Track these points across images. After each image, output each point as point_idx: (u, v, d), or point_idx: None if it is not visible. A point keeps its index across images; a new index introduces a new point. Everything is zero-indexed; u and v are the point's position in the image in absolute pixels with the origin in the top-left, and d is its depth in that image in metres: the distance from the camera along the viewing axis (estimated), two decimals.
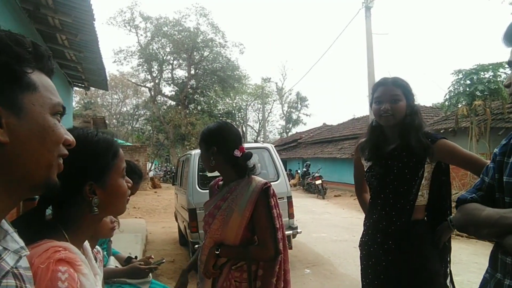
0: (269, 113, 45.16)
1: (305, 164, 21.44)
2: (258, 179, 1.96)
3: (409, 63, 73.81)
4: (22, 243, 0.70)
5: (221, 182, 2.11)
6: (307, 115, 46.36)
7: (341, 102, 79.69)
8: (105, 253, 2.38)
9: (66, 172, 0.80)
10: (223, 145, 1.94)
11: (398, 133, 2.07)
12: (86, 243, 1.10)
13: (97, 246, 1.67)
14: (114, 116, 43.60)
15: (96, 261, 1.44)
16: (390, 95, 2.04)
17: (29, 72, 0.69)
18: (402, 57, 76.84)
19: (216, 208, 1.96)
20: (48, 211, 1.02)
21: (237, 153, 1.94)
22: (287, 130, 45.38)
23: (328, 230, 9.08)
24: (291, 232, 5.83)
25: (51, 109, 0.72)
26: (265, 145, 6.85)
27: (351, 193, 17.39)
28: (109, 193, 1.01)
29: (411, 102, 2.08)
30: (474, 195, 1.31)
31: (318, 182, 17.11)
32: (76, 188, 0.97)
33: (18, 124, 0.65)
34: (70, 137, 0.76)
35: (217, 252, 1.90)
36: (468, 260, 5.90)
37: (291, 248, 6.14)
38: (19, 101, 0.66)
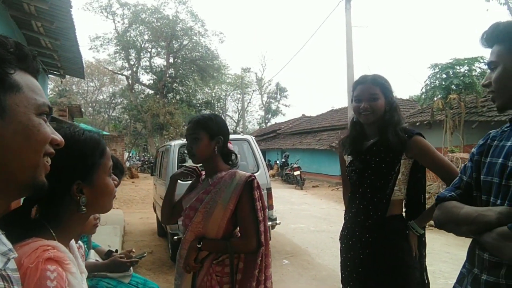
0: (248, 103, 45.14)
1: (284, 155, 21.56)
2: (242, 173, 1.98)
3: (388, 56, 74.74)
4: (10, 245, 0.69)
5: (203, 177, 2.11)
6: (286, 105, 46.55)
7: (320, 93, 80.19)
8: (85, 246, 2.35)
9: (54, 171, 0.80)
10: (225, 137, 2.00)
11: (378, 129, 2.11)
12: (72, 242, 1.09)
13: (79, 241, 1.65)
14: (90, 104, 42.68)
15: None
16: (369, 94, 2.09)
17: (11, 73, 0.69)
18: (381, 50, 77.72)
19: (198, 201, 1.96)
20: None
21: (231, 146, 2.02)
22: (266, 121, 45.46)
23: (306, 220, 9.20)
24: (270, 223, 5.87)
25: (36, 109, 0.71)
26: (245, 136, 6.85)
27: (328, 183, 17.63)
28: (96, 192, 1.01)
29: (390, 98, 2.12)
30: (452, 193, 1.35)
31: (297, 173, 17.26)
32: (64, 187, 0.97)
33: (2, 125, 0.65)
34: (58, 137, 0.76)
35: (199, 246, 1.90)
36: (441, 250, 6.09)
37: (270, 239, 6.20)
38: (2, 102, 0.66)
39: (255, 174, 6.00)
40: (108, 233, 6.13)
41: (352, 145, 2.20)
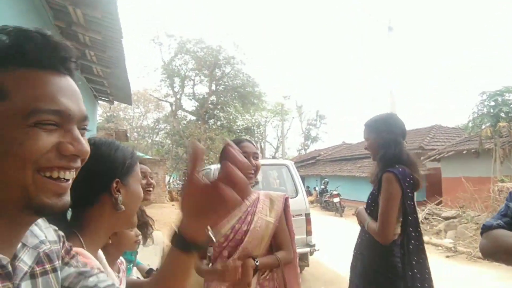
0: (288, 130, 45.18)
1: (323, 182, 21.27)
2: (275, 192, 2.19)
3: (433, 83, 73.03)
4: (42, 237, 0.69)
5: None
6: (325, 132, 46.23)
7: (360, 121, 78.88)
8: (126, 263, 2.43)
9: (98, 168, 0.86)
10: None
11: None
12: (100, 253, 1.12)
13: (121, 257, 1.71)
14: (135, 130, 44.27)
15: (119, 272, 1.49)
16: (364, 137, 2.46)
17: None
18: (428, 78, 76.08)
19: (242, 223, 1.99)
20: None
21: None
22: (306, 147, 45.20)
23: (345, 248, 8.92)
24: (308, 249, 5.80)
25: (25, 117, 0.57)
26: (284, 161, 6.87)
27: None
28: (130, 194, 1.06)
29: (381, 137, 2.32)
30: (499, 221, 1.29)
31: (336, 199, 16.92)
32: (104, 184, 1.01)
33: None
34: (70, 146, 0.61)
35: (257, 264, 1.93)
36: (493, 286, 5.73)
37: (308, 266, 6.09)
38: None
39: (294, 199, 6.00)
40: (149, 253, 6.25)
41: (372, 175, 2.43)
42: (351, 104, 77.87)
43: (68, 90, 0.63)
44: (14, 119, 0.57)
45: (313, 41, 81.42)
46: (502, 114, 10.84)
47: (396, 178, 2.14)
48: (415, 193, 2.27)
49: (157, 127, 42.70)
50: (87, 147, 0.63)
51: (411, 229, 2.20)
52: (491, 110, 11.20)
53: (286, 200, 2.14)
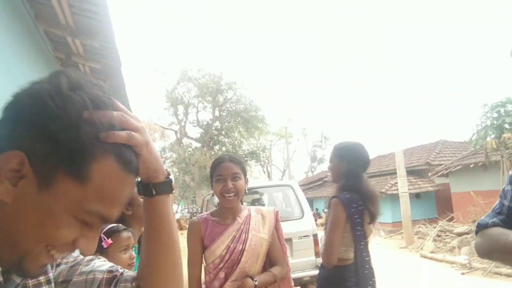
0: (293, 152, 45.09)
1: None
2: (264, 207, 2.17)
3: (436, 96, 73.06)
4: None
5: (214, 218, 2.03)
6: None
7: (366, 139, 78.59)
8: None
9: None
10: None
11: None
12: None
13: None
14: None
15: None
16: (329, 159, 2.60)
17: (86, 164, 0.57)
18: (430, 89, 76.23)
19: (237, 242, 1.93)
20: None
21: None
22: (312, 169, 45.03)
23: None
24: (317, 272, 5.66)
25: (82, 212, 0.58)
26: (288, 182, 6.81)
27: (380, 231, 16.88)
28: None
29: (343, 163, 2.43)
30: (495, 219, 1.26)
31: None
32: None
33: (32, 196, 0.56)
34: (84, 247, 0.62)
35: (256, 283, 1.87)
36: None
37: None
38: (53, 179, 0.56)
39: (300, 220, 5.91)
40: None
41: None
42: (353, 122, 77.84)
43: (129, 192, 0.64)
44: (73, 205, 0.57)
45: (313, 61, 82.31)
46: (506, 125, 10.77)
47: (342, 204, 2.25)
48: (374, 222, 2.43)
49: (163, 156, 42.83)
50: (94, 249, 0.63)
51: (364, 254, 2.31)
52: (495, 122, 11.15)
53: (277, 214, 2.12)
